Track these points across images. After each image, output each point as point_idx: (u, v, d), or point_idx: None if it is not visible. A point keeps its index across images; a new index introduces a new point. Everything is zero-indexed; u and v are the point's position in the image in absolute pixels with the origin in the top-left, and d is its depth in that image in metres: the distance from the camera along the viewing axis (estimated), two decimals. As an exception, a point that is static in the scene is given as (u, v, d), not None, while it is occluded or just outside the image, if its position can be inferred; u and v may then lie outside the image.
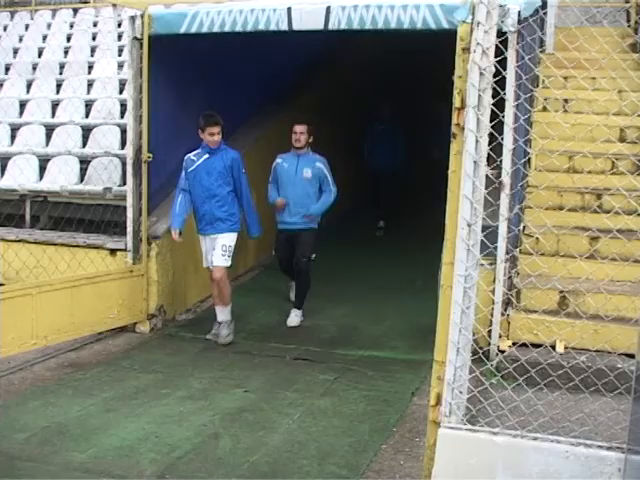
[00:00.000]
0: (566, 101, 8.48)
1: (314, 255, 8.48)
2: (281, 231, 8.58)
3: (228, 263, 7.83)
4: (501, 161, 5.31)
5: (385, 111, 12.59)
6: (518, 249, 6.83)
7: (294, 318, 8.45)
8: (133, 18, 7.70)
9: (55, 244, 8.35)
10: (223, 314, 7.89)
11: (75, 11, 15.68)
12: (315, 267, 10.01)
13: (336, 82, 12.15)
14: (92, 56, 13.26)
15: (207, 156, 7.75)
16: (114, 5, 8.35)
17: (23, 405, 5.98)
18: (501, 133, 4.60)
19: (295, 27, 7.20)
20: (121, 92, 11.05)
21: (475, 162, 4.01)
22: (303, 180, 8.34)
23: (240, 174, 7.81)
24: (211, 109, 7.71)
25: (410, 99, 13.98)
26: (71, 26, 14.96)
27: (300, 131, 8.36)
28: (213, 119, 7.69)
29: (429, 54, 10.62)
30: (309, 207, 8.36)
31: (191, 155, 7.84)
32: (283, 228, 8.51)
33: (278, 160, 8.50)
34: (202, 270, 8.63)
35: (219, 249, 7.73)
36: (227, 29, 7.40)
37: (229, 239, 7.79)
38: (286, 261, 8.65)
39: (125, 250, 8.04)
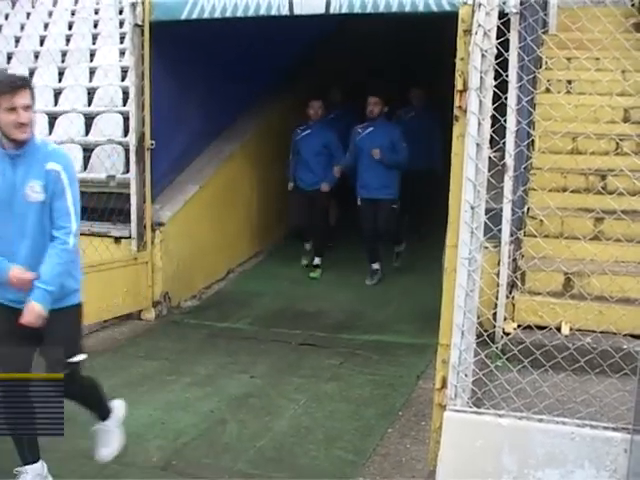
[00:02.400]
0: (569, 82, 8.43)
1: (82, 356, 4.38)
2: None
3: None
4: (504, 143, 5.29)
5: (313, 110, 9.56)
6: (522, 231, 6.81)
7: None
8: (134, 5, 7.69)
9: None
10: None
11: (76, -2, 15.65)
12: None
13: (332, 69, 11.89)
14: (94, 44, 13.20)
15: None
16: (114, -8, 8.37)
17: (30, 393, 6.00)
18: (504, 115, 4.58)
19: (296, 12, 7.18)
20: (123, 79, 11.01)
21: (478, 145, 4.01)
22: (29, 205, 4.13)
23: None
24: (212, 96, 7.65)
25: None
26: (72, 14, 14.91)
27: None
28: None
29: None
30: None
31: None
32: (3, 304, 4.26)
33: None
34: (207, 256, 8.66)
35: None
36: (228, 15, 7.39)
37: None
38: None
39: (129, 238, 8.04)
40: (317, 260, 9.73)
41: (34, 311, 4.03)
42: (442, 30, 6.12)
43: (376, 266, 9.36)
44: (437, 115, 9.90)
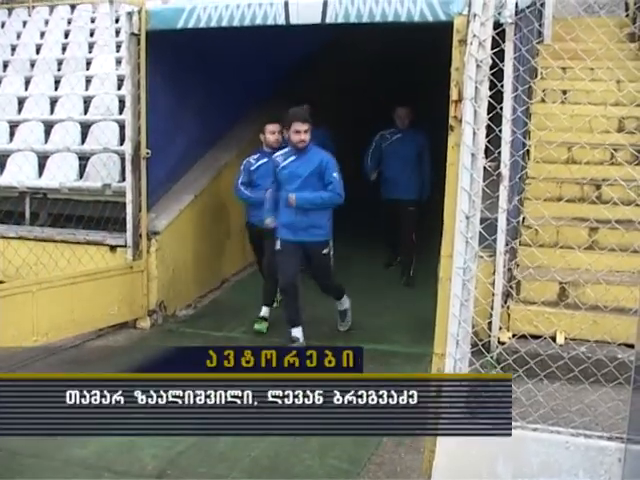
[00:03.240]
0: (564, 92, 8.46)
1: None
2: None
3: None
4: (499, 153, 5.31)
5: None
6: (517, 241, 6.83)
7: None
8: (130, 14, 7.69)
9: (55, 241, 8.34)
10: None
11: (72, 7, 15.66)
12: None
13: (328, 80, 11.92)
14: (90, 52, 13.23)
15: None
16: (111, 1, 8.37)
17: (25, 402, 5.99)
18: (499, 125, 4.60)
19: (292, 21, 7.18)
20: (119, 88, 11.02)
21: (473, 154, 4.03)
22: None
23: None
24: (209, 104, 7.63)
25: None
26: (69, 22, 14.94)
27: None
28: None
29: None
30: None
31: None
32: None
33: None
34: (202, 265, 8.66)
35: None
36: (224, 24, 7.38)
37: None
38: None
39: (125, 246, 8.03)
40: (265, 311, 8.06)
41: None
42: (434, 45, 6.17)
43: (297, 333, 7.46)
44: (425, 136, 9.26)
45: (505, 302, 6.68)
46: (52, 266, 8.01)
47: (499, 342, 6.43)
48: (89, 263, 7.93)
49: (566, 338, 6.26)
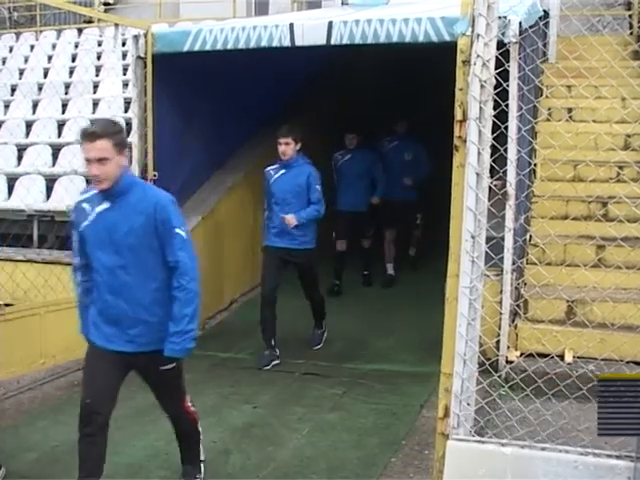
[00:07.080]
0: (569, 110, 8.49)
1: None
2: None
3: None
4: (504, 172, 5.32)
5: None
6: (524, 259, 6.83)
7: None
8: (136, 37, 7.74)
9: (62, 263, 8.34)
10: None
11: (79, 31, 15.81)
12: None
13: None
14: (97, 75, 13.35)
15: None
16: (116, 25, 8.43)
17: (33, 425, 5.99)
18: (504, 144, 4.61)
19: (298, 43, 7.23)
20: (126, 111, 11.10)
21: (478, 174, 4.04)
22: None
23: None
24: (215, 127, 7.62)
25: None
26: (76, 46, 15.09)
27: None
28: None
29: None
30: None
31: None
32: None
33: None
34: (210, 287, 8.64)
35: None
36: (230, 46, 7.44)
37: None
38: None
39: (132, 268, 8.04)
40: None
41: None
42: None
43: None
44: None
45: (512, 321, 6.67)
46: (60, 288, 8.01)
47: (507, 361, 6.42)
48: (97, 285, 7.93)
49: (574, 356, 6.25)
